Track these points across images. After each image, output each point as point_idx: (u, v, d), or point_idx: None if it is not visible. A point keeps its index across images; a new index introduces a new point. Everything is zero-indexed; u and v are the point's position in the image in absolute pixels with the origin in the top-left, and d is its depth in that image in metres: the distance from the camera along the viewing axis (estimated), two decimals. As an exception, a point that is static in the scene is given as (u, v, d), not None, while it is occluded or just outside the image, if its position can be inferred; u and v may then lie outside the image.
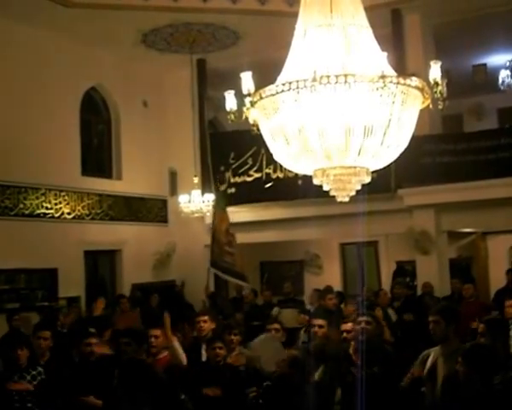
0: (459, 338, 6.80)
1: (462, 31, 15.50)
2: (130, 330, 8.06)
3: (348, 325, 8.15)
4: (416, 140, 4.87)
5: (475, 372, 5.50)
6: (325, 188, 4.77)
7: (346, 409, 6.70)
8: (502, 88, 17.14)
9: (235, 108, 4.96)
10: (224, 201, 15.02)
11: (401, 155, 4.79)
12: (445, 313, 6.73)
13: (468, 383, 5.55)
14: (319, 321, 8.66)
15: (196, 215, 15.88)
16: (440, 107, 4.58)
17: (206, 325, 9.05)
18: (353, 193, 4.82)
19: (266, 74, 5.02)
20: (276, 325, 9.17)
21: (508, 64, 15.94)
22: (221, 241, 14.33)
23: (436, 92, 4.50)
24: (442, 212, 14.63)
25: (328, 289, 13.71)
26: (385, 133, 4.39)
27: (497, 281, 15.91)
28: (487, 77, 15.21)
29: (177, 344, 8.44)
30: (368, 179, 4.75)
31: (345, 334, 8.16)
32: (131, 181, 16.82)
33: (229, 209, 16.26)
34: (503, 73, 16.96)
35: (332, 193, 4.80)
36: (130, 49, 16.13)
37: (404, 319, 12.10)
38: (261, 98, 4.43)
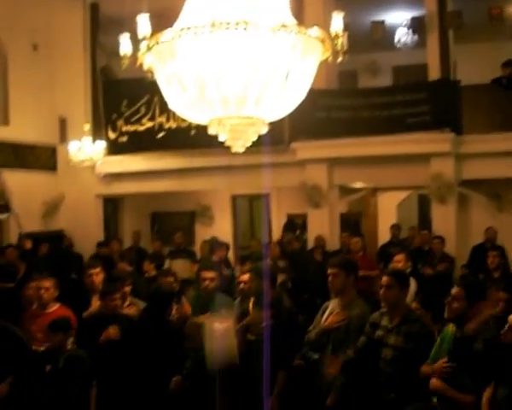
0: (356, 290, 6.91)
1: (364, -15, 15.50)
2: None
3: (245, 276, 8.08)
4: (311, 94, 4.78)
5: None
6: (221, 138, 4.65)
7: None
8: (398, 46, 17.30)
9: (129, 52, 4.77)
10: None
11: (296, 108, 4.70)
12: (345, 265, 6.81)
13: None
14: (210, 274, 8.53)
15: (86, 164, 15.52)
16: (340, 59, 4.50)
17: (99, 277, 8.90)
18: (249, 144, 4.71)
19: (163, 22, 4.81)
20: (171, 278, 9.00)
21: (405, 22, 16.06)
22: None
23: (337, 44, 4.42)
24: (334, 166, 14.74)
25: (219, 242, 13.69)
26: (283, 84, 4.27)
27: (385, 236, 16.22)
28: (384, 34, 15.27)
29: None
30: (264, 130, 4.64)
31: (242, 285, 8.12)
32: (19, 127, 16.17)
33: (120, 158, 16.04)
34: (400, 31, 17.10)
35: (227, 143, 4.68)
36: (19, -11, 15.44)
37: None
38: (157, 43, 4.24)
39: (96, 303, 8.52)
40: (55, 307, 7.98)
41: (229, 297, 8.47)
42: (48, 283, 8.02)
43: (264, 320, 6.81)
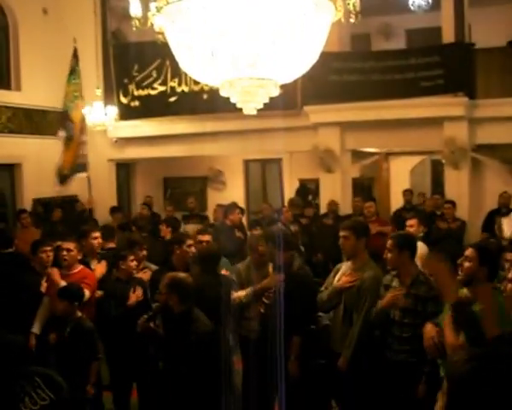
0: (369, 253, 6.90)
1: None
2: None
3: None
4: (324, 57, 4.73)
5: None
6: (232, 100, 4.61)
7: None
8: (412, 9, 17.06)
9: (139, 14, 4.73)
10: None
11: (309, 71, 4.65)
12: (355, 228, 6.79)
13: None
14: (206, 237, 8.63)
15: (99, 129, 15.51)
16: (353, 21, 4.43)
17: (99, 240, 9.07)
18: (261, 106, 4.67)
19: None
20: (190, 241, 9.06)
21: (419, -15, 15.88)
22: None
23: (349, 5, 4.36)
24: (347, 130, 14.67)
25: (234, 205, 13.70)
26: (295, 45, 4.23)
27: (397, 202, 16.20)
28: (398, -4, 15.16)
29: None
30: (276, 92, 4.59)
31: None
32: (31, 92, 16.14)
33: (133, 123, 16.01)
34: (414, -6, 16.85)
35: (239, 105, 4.65)
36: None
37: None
38: (167, 3, 4.20)
39: (98, 267, 8.64)
40: (77, 269, 8.09)
41: (227, 260, 8.55)
42: (71, 245, 8.09)
43: (276, 285, 6.86)
